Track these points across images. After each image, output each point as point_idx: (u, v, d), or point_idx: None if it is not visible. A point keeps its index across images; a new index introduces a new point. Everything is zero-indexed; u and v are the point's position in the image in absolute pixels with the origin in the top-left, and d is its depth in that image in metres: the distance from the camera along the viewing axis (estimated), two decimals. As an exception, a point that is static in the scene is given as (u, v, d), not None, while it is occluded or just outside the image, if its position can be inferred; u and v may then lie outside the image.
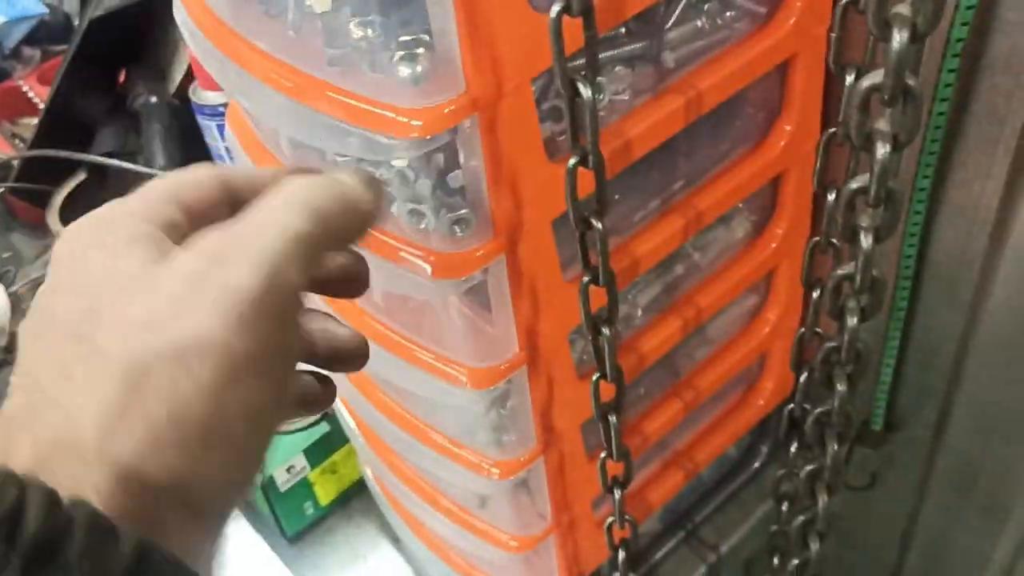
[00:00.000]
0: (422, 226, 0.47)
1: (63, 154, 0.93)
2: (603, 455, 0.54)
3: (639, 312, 0.62)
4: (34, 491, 0.24)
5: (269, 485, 0.79)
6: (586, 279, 0.44)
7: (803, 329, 0.53)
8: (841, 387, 0.47)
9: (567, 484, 0.62)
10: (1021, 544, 0.72)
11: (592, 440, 0.62)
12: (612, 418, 0.51)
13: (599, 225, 0.41)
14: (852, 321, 0.44)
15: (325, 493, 0.84)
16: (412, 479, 0.67)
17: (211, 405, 0.27)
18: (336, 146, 0.46)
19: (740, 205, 0.65)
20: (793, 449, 0.60)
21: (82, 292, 0.28)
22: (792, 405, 0.58)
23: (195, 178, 0.32)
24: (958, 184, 0.58)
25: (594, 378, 0.49)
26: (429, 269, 0.46)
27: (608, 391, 0.50)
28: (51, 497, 0.24)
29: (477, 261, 0.47)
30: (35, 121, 1.03)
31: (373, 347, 0.37)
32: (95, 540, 0.24)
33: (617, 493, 0.56)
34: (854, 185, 0.39)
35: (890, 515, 0.82)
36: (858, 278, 0.41)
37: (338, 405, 0.74)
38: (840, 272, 0.43)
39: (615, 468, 0.55)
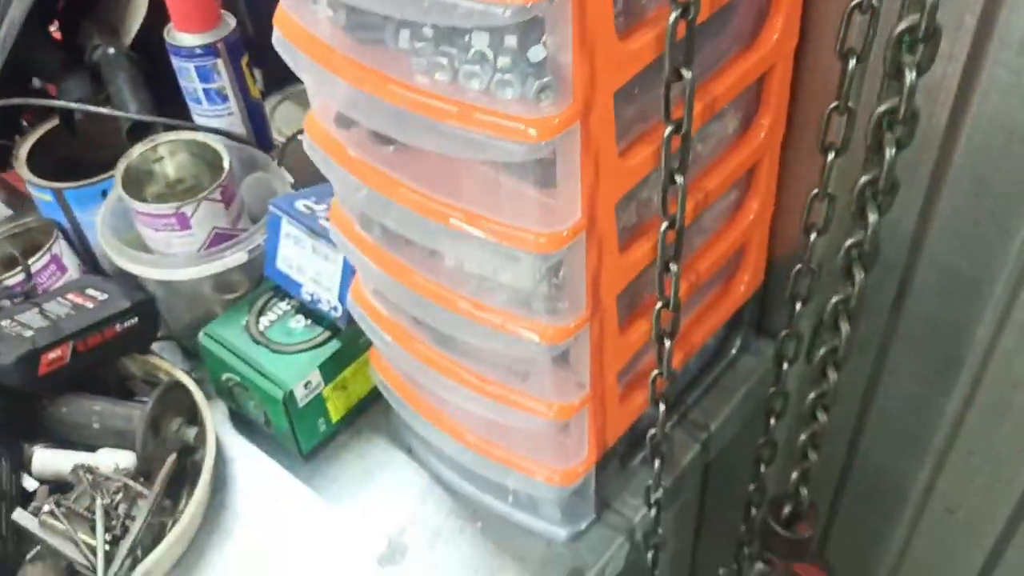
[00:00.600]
0: (508, 95, 0.52)
1: (34, 102, 0.92)
2: (658, 305, 0.61)
3: (655, 197, 0.69)
4: None
5: (289, 401, 0.82)
6: (669, 129, 0.51)
7: (816, 191, 0.61)
8: (873, 216, 0.55)
9: (604, 353, 0.69)
10: (970, 396, 0.83)
11: (622, 313, 0.69)
12: (673, 267, 0.57)
13: (688, 74, 0.48)
14: (890, 152, 0.52)
15: (336, 410, 0.87)
16: (451, 368, 0.72)
17: None
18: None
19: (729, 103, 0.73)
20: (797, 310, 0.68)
21: None
22: (800, 265, 0.66)
23: None
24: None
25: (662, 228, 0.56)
26: (535, 132, 0.51)
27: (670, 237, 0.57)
28: None
29: (558, 126, 0.53)
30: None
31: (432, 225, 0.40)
32: None
33: (667, 343, 0.62)
34: (903, 25, 0.47)
35: (851, 382, 0.92)
36: (902, 108, 0.49)
37: (359, 313, 0.78)
38: (882, 107, 0.50)
39: (666, 319, 0.62)
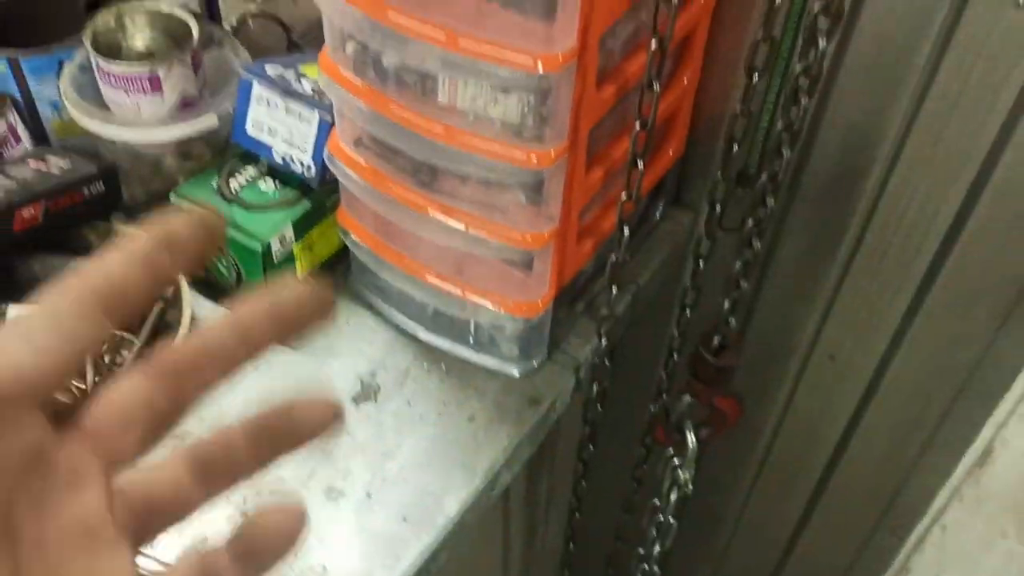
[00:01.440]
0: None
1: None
2: (636, 127, 0.71)
3: (618, 46, 0.79)
4: None
5: (266, 254, 0.87)
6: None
7: (760, 34, 0.73)
8: (823, 43, 0.66)
9: (572, 189, 0.78)
10: (859, 241, 0.97)
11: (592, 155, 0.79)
12: (656, 84, 0.68)
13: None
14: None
15: (302, 269, 0.93)
16: (432, 207, 0.80)
17: None
18: None
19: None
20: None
21: None
22: (740, 106, 0.78)
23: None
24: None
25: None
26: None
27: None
28: None
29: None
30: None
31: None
32: None
33: (640, 164, 0.73)
34: None
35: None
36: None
37: (339, 166, 0.84)
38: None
39: (641, 140, 0.72)
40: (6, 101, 0.94)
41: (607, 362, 0.90)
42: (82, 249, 0.91)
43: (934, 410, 1.05)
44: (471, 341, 0.91)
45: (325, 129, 0.86)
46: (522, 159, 0.73)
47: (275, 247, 0.88)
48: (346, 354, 0.92)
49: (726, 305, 0.87)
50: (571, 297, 0.93)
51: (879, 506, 1.18)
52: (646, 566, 1.15)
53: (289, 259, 0.91)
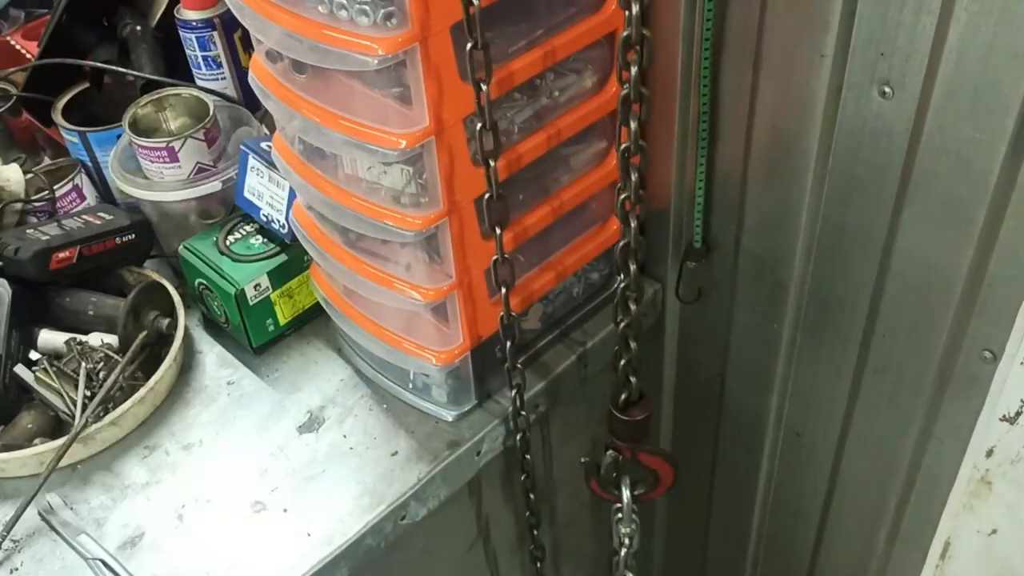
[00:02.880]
0: (365, 22, 0.73)
1: (69, 61, 1.16)
2: (487, 195, 0.80)
3: (516, 128, 0.88)
4: None
5: (241, 298, 1.02)
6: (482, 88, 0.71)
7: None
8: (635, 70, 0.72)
9: (465, 251, 0.88)
10: (797, 318, 0.99)
11: (483, 221, 0.88)
12: (492, 163, 0.77)
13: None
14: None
15: (283, 314, 1.08)
16: (357, 264, 0.92)
17: None
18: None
19: (587, 64, 0.93)
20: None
21: None
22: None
23: None
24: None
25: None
26: (380, 49, 0.71)
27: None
28: None
29: (400, 44, 0.73)
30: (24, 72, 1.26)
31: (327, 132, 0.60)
32: None
33: (498, 231, 0.81)
34: None
35: (713, 325, 1.09)
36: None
37: (297, 226, 0.98)
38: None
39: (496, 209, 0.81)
40: (77, 166, 1.17)
41: (522, 412, 0.97)
42: (113, 289, 1.10)
43: (891, 500, 1.02)
44: (410, 386, 1.02)
45: (293, 194, 1.01)
46: (403, 221, 0.84)
47: (249, 292, 1.03)
48: (306, 389, 1.04)
49: (622, 363, 0.91)
50: (513, 351, 1.01)
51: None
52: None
53: (266, 304, 1.05)
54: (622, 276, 0.88)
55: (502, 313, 0.89)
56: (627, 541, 1.04)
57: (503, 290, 0.87)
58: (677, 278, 1.08)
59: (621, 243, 0.85)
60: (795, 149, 0.86)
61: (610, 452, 0.99)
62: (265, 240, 1.07)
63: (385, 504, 0.92)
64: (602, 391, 1.14)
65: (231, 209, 1.12)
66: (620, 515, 1.05)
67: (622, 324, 0.89)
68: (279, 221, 1.04)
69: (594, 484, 1.04)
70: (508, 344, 0.91)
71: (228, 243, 1.07)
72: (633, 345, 0.90)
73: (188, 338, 1.10)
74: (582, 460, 1.02)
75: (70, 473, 0.97)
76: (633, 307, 0.87)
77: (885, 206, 0.83)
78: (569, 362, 1.05)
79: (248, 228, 1.09)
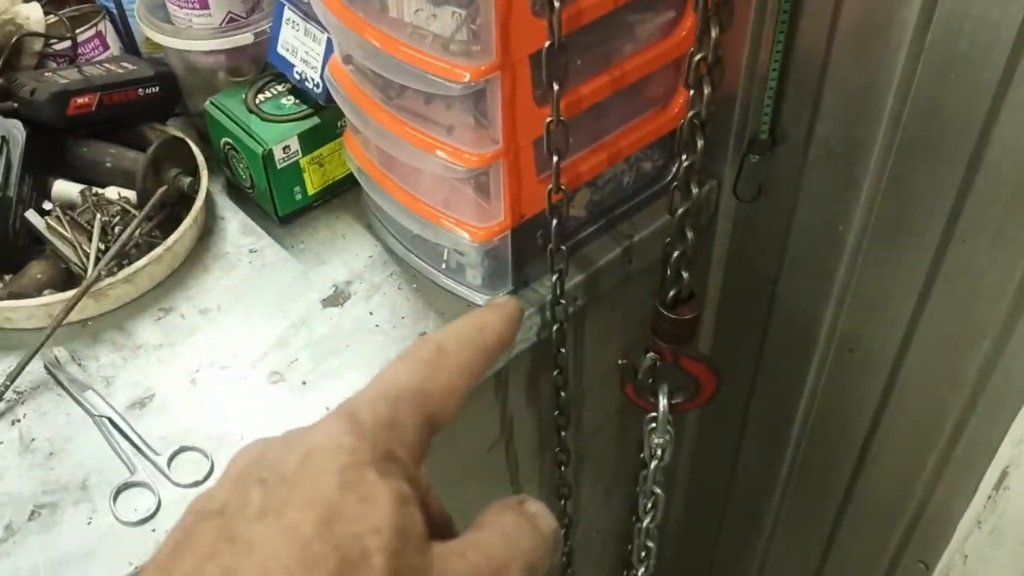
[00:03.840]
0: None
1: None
2: (546, 44, 0.72)
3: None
4: None
5: (268, 159, 0.95)
6: None
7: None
8: None
9: (516, 114, 0.80)
10: (867, 218, 0.91)
11: (538, 83, 0.80)
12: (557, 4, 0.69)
13: None
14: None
15: (312, 183, 1.01)
16: (396, 124, 0.84)
17: None
18: None
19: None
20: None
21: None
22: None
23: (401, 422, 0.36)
24: None
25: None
26: None
27: None
28: None
29: None
30: None
31: None
32: None
33: (555, 86, 0.74)
34: None
35: (772, 226, 1.02)
36: None
37: (333, 83, 0.90)
38: None
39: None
40: (101, 12, 1.09)
41: (562, 300, 0.90)
42: (135, 144, 1.04)
43: (947, 421, 0.96)
44: (443, 266, 0.95)
45: (330, 49, 0.93)
46: (449, 72, 0.76)
47: (278, 154, 0.96)
48: (332, 263, 0.98)
49: (674, 256, 0.84)
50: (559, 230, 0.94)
51: (902, 526, 1.09)
52: (638, 541, 1.13)
53: (295, 169, 0.98)
54: (685, 156, 0.80)
55: (550, 186, 0.82)
56: (659, 452, 0.99)
57: (555, 159, 0.79)
58: (736, 173, 1.00)
59: (690, 113, 0.77)
60: (890, 21, 0.77)
61: (650, 355, 0.92)
62: (297, 101, 1.00)
63: (410, 384, 0.87)
64: (642, 296, 1.07)
65: (262, 68, 1.05)
66: (654, 424, 0.99)
67: (679, 212, 0.82)
68: (313, 80, 0.96)
69: (629, 389, 0.97)
70: (555, 223, 0.84)
71: (258, 101, 1.00)
72: (690, 235, 0.83)
73: (210, 203, 1.03)
74: (619, 362, 0.96)
75: (80, 329, 0.91)
76: (695, 190, 0.80)
77: (987, 87, 0.74)
78: (614, 255, 0.98)
79: (280, 88, 1.01)
